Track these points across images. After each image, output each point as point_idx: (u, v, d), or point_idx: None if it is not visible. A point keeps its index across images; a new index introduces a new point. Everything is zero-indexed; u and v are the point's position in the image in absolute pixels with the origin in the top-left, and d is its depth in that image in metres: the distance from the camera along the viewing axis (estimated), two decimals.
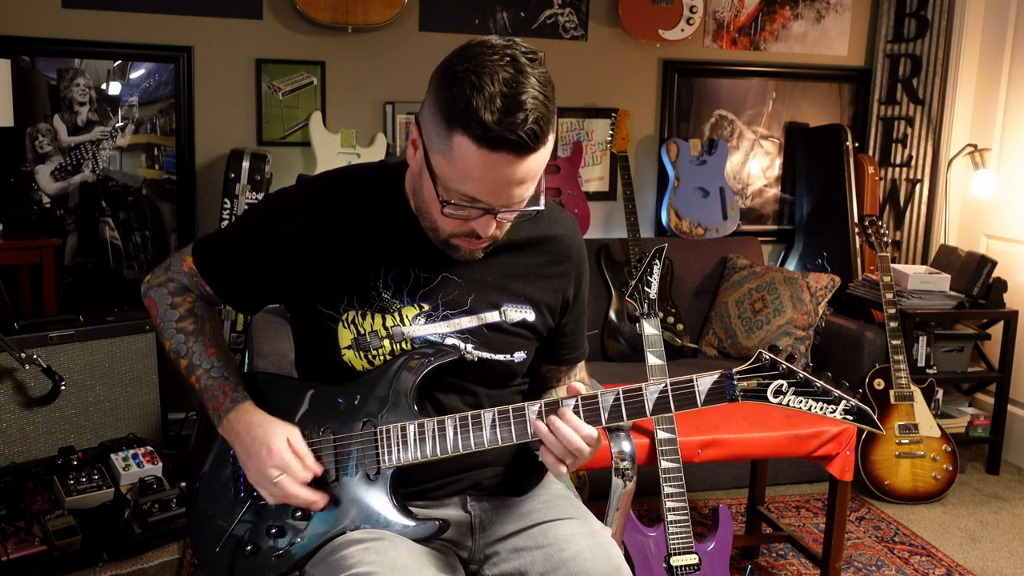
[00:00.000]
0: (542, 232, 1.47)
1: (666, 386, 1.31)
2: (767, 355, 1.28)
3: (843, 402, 1.26)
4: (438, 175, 1.26)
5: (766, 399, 1.28)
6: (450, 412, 1.41)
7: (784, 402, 1.27)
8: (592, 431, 1.33)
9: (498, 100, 1.17)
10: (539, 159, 1.24)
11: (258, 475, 1.38)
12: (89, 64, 3.38)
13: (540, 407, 1.34)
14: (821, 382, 1.27)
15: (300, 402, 1.45)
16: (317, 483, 1.40)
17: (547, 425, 1.32)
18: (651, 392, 1.32)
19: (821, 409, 1.27)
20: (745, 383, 1.29)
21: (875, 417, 1.28)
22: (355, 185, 1.44)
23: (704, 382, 1.30)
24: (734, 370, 1.30)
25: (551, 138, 1.24)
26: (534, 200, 1.31)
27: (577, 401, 1.34)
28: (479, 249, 1.36)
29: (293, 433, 1.39)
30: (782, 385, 1.27)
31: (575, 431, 1.31)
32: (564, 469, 1.35)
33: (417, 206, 1.36)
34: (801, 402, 1.27)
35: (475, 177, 1.23)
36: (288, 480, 1.35)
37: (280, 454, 1.36)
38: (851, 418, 1.27)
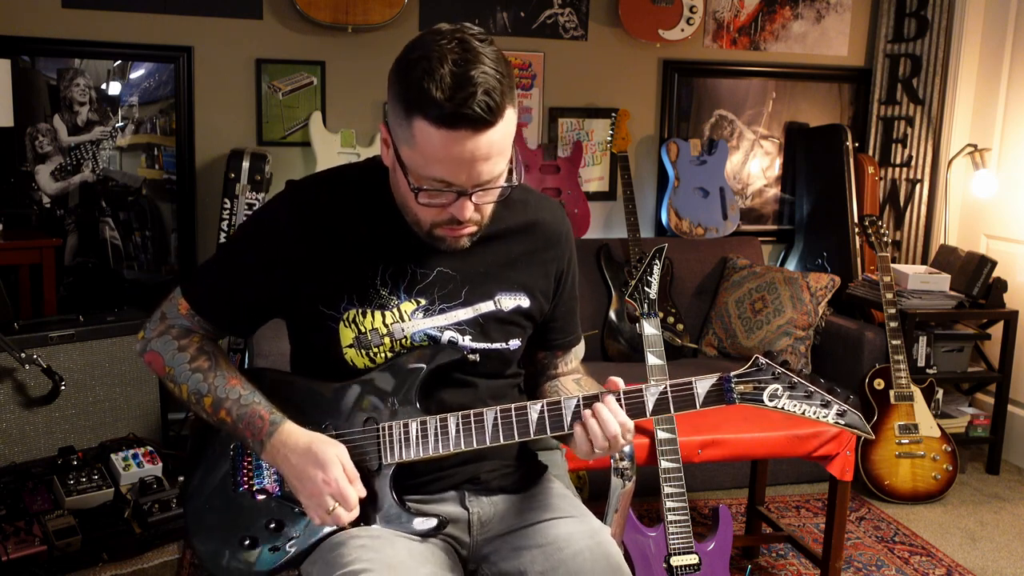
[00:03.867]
0: (529, 218, 1.49)
1: (666, 388, 1.35)
2: (763, 360, 1.33)
3: (835, 407, 1.32)
4: (407, 164, 1.28)
5: (762, 403, 1.33)
6: (447, 404, 1.42)
7: (779, 406, 1.33)
8: (628, 421, 1.34)
9: (448, 78, 1.20)
10: (500, 132, 1.25)
11: (311, 499, 1.36)
12: (89, 64, 3.38)
13: (542, 406, 1.36)
14: (814, 387, 1.32)
15: (301, 398, 1.45)
16: None
17: (592, 410, 1.34)
18: (651, 393, 1.35)
19: (815, 413, 1.32)
20: (742, 387, 1.34)
21: (866, 423, 1.33)
22: (344, 185, 1.45)
23: (703, 385, 1.34)
24: (731, 374, 1.34)
25: (510, 112, 1.25)
26: (508, 179, 1.32)
27: (579, 400, 1.35)
28: (464, 236, 1.36)
29: (342, 454, 1.37)
30: (777, 389, 1.33)
31: (614, 416, 1.33)
32: (596, 454, 1.36)
33: (398, 201, 1.38)
34: (795, 406, 1.33)
35: (439, 158, 1.24)
36: (342, 511, 1.34)
37: (337, 483, 1.33)
38: (843, 423, 1.32)
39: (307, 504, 1.37)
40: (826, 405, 1.32)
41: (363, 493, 1.37)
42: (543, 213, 1.51)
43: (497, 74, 1.22)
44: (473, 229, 1.36)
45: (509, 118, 1.26)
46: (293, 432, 1.39)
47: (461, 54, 1.21)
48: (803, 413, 1.32)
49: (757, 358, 1.34)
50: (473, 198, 1.29)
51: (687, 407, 1.35)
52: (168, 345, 1.48)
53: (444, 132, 1.22)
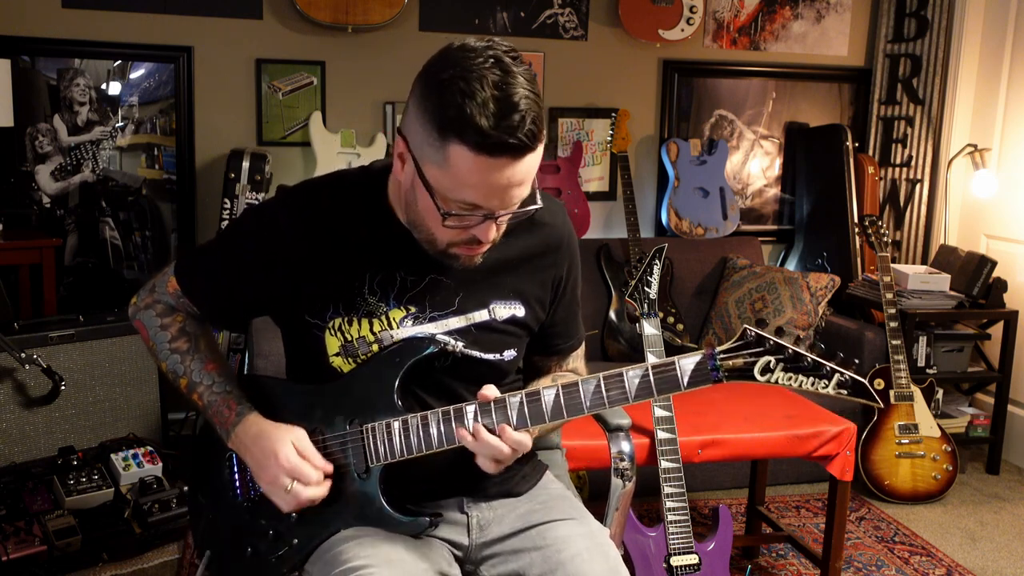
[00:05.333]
0: (529, 224, 1.44)
1: (647, 370, 1.27)
2: (752, 331, 1.22)
3: (836, 376, 1.19)
4: (434, 187, 1.23)
5: (753, 377, 1.21)
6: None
7: (773, 380, 1.20)
8: (524, 439, 1.32)
9: (491, 104, 1.15)
10: (535, 158, 1.22)
11: (270, 486, 1.37)
12: (89, 64, 3.38)
13: (521, 398, 1.32)
14: (812, 356, 1.20)
15: (288, 404, 1.44)
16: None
17: (473, 434, 1.32)
18: (632, 376, 1.27)
19: (813, 385, 1.20)
20: (730, 362, 1.22)
21: (871, 390, 1.20)
22: (334, 193, 1.41)
23: (687, 363, 1.25)
24: (717, 348, 1.23)
25: (544, 135, 1.23)
26: (531, 198, 1.29)
27: (558, 389, 1.31)
28: (478, 255, 1.34)
29: (298, 436, 1.38)
30: (770, 362, 1.20)
31: (500, 439, 1.31)
32: (493, 468, 1.35)
33: (410, 219, 1.34)
34: (791, 379, 1.20)
35: (473, 183, 1.20)
36: (300, 487, 1.34)
37: (288, 460, 1.34)
38: (845, 392, 1.20)
39: (268, 491, 1.38)
40: (826, 376, 1.19)
41: (327, 468, 1.37)
42: (544, 216, 1.46)
43: (536, 96, 1.19)
44: (487, 247, 1.33)
45: (543, 143, 1.23)
46: (256, 422, 1.40)
47: (501, 76, 1.17)
48: (800, 386, 1.19)
49: (746, 329, 1.21)
50: (499, 220, 1.27)
51: (672, 389, 1.25)
52: (152, 321, 1.50)
53: (483, 159, 1.17)
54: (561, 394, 1.31)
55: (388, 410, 1.38)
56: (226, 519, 1.47)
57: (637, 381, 1.27)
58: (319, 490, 1.36)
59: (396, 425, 1.36)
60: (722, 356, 1.23)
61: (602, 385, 1.29)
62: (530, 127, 1.17)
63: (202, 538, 1.54)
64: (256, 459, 1.38)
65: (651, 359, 2.20)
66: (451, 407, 1.35)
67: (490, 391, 1.34)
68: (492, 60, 1.18)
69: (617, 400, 1.29)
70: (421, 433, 1.35)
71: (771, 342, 1.21)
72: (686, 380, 1.25)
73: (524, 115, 1.16)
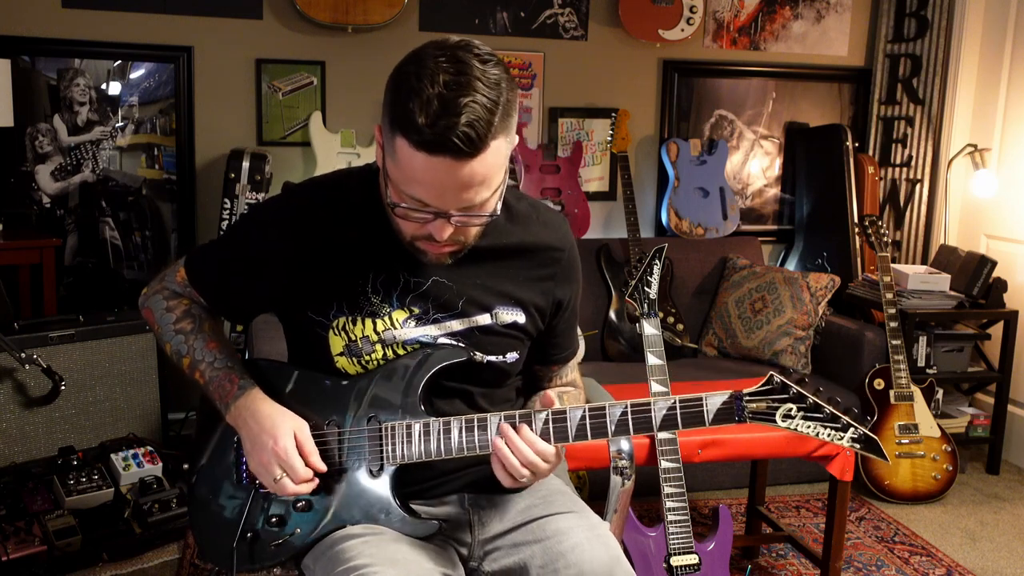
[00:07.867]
0: (531, 238, 1.46)
1: (675, 403, 1.33)
2: (778, 378, 1.31)
3: (851, 429, 1.29)
4: (390, 177, 1.25)
5: (774, 422, 1.31)
6: (445, 410, 1.42)
7: (792, 426, 1.30)
8: (549, 448, 1.34)
9: (435, 103, 1.15)
10: (484, 163, 1.19)
11: (260, 467, 1.38)
12: (89, 64, 3.38)
13: (548, 415, 1.35)
14: (830, 408, 1.30)
15: (306, 392, 1.45)
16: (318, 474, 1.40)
17: (505, 439, 1.33)
18: (659, 408, 1.34)
19: (829, 435, 1.30)
20: (754, 405, 1.31)
21: (882, 447, 1.30)
22: (338, 191, 1.43)
23: (713, 402, 1.32)
24: (744, 392, 1.31)
25: (498, 144, 1.19)
26: (495, 205, 1.28)
27: (585, 412, 1.34)
28: (445, 254, 1.34)
29: (301, 428, 1.39)
30: (791, 409, 1.30)
31: (530, 445, 1.33)
32: (514, 484, 1.36)
33: (386, 208, 1.35)
34: (809, 427, 1.30)
35: (418, 180, 1.21)
36: (288, 482, 1.35)
37: (286, 452, 1.35)
38: (859, 446, 1.29)
39: (255, 469, 1.39)
40: (842, 428, 1.29)
41: (321, 468, 1.37)
42: (547, 233, 1.48)
43: (489, 102, 1.16)
44: (455, 248, 1.33)
45: (496, 149, 1.20)
46: (258, 399, 1.41)
47: (454, 76, 1.16)
48: (816, 434, 1.30)
49: (772, 376, 1.31)
50: (453, 221, 1.26)
51: (696, 424, 1.33)
52: (159, 304, 1.53)
53: (424, 156, 1.17)
54: (587, 415, 1.35)
55: (410, 412, 1.39)
56: (227, 503, 1.47)
57: (663, 414, 1.34)
58: (304, 488, 1.37)
59: (417, 427, 1.38)
60: (748, 399, 1.31)
61: (628, 413, 1.34)
62: (465, 130, 1.15)
63: (199, 521, 1.54)
64: (253, 435, 1.38)
65: (652, 360, 2.20)
66: (475, 415, 1.37)
67: (554, 396, 1.38)
68: (455, 60, 1.17)
69: (641, 429, 1.35)
70: (442, 438, 1.37)
71: (794, 390, 1.30)
72: (711, 418, 1.33)
73: (461, 116, 1.15)
